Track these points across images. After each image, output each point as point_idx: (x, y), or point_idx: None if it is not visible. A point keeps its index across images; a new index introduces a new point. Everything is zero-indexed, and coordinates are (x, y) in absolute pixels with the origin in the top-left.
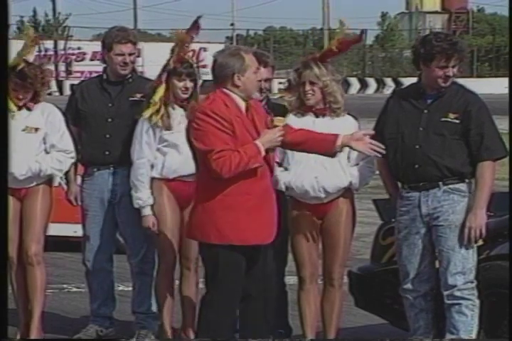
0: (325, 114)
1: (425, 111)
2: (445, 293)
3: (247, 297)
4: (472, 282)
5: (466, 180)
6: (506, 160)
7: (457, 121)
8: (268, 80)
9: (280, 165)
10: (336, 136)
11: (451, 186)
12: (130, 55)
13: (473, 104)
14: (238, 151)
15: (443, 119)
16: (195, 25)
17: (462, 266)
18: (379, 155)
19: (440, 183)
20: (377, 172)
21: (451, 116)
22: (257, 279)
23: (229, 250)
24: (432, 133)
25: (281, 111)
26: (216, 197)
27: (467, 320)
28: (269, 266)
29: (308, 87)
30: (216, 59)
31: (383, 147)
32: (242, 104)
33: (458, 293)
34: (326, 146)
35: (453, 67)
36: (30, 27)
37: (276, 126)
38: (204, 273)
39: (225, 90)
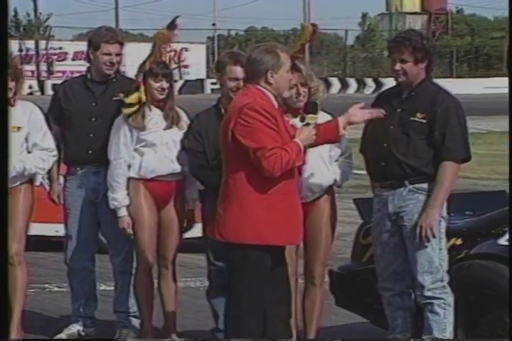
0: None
1: (399, 109)
2: (416, 293)
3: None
4: (442, 280)
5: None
6: (485, 160)
7: (424, 121)
8: None
9: None
10: (336, 120)
11: (416, 185)
12: (117, 55)
13: (440, 105)
14: (286, 149)
15: (411, 119)
16: (173, 25)
17: (428, 265)
18: (381, 115)
19: (406, 182)
20: (357, 171)
21: (419, 115)
22: (281, 280)
23: (264, 250)
24: (400, 132)
25: (314, 108)
26: (257, 196)
27: (440, 318)
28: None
29: (301, 89)
30: (250, 54)
31: (381, 110)
32: (275, 102)
33: (429, 293)
34: (332, 134)
35: (402, 61)
36: None
37: (308, 124)
38: (229, 274)
39: (258, 87)
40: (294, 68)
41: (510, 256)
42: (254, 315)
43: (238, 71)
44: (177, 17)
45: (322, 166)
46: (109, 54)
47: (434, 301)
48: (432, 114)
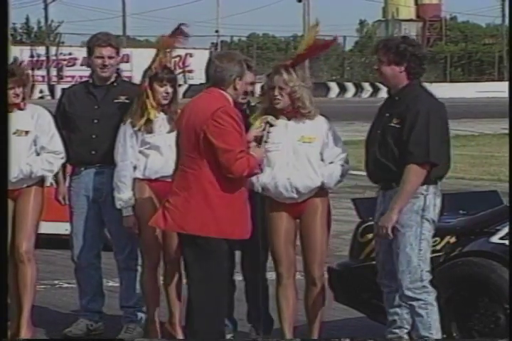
0: (296, 117)
1: (387, 114)
2: (398, 294)
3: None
4: (421, 280)
5: None
6: (477, 161)
7: (398, 126)
8: (252, 84)
9: None
10: None
11: None
12: (110, 58)
13: (411, 110)
14: (252, 155)
15: (389, 124)
16: (178, 31)
17: (407, 264)
18: None
19: (393, 184)
20: (355, 172)
21: (395, 121)
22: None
23: (223, 243)
24: (382, 137)
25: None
26: (220, 194)
27: (423, 319)
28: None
29: (276, 92)
30: (219, 62)
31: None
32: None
33: (408, 293)
34: None
35: (381, 62)
36: None
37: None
38: (188, 265)
39: (223, 92)
40: (276, 72)
41: (511, 256)
42: (221, 305)
43: (250, 76)
44: (181, 24)
45: (309, 168)
46: (102, 57)
47: (414, 303)
48: (403, 119)
